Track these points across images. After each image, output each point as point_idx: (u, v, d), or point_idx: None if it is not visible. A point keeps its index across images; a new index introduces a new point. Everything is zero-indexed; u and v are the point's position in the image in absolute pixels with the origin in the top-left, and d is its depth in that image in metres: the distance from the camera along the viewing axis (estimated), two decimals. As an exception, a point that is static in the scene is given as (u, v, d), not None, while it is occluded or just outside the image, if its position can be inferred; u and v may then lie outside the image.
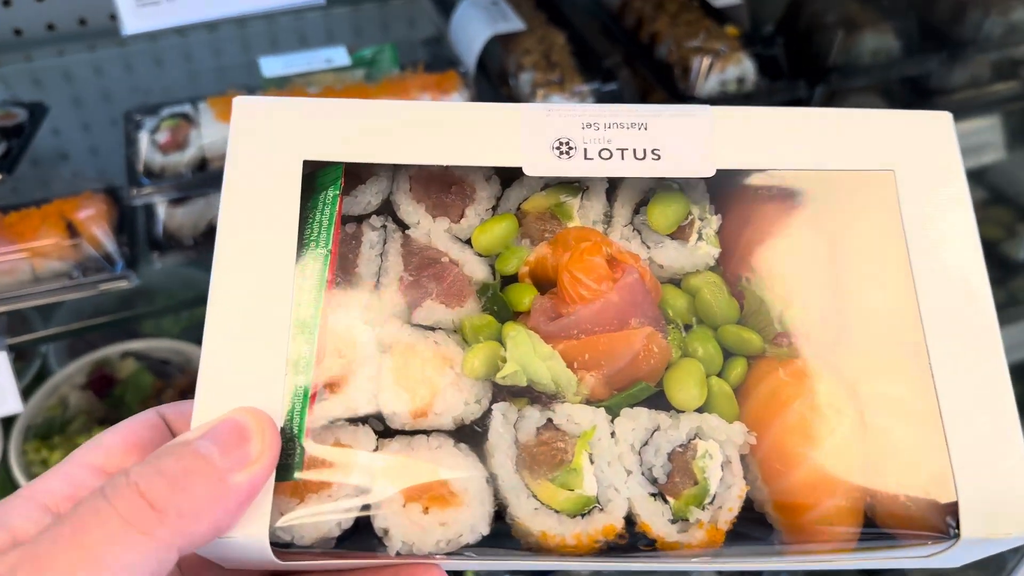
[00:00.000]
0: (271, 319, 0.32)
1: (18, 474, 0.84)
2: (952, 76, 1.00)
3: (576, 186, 0.37)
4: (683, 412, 0.34)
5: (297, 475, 0.31)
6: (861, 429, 0.34)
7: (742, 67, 0.86)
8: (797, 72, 0.90)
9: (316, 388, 0.32)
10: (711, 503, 0.33)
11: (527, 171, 0.35)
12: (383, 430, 0.33)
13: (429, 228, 0.36)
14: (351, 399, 0.33)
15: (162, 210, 0.80)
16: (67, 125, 0.97)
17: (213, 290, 0.32)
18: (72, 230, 0.74)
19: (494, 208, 0.37)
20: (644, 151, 0.36)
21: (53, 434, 0.90)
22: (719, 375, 0.35)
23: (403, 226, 0.36)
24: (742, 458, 0.33)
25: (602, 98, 0.86)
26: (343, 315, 0.34)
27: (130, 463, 0.31)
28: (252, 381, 0.31)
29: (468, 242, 0.36)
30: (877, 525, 0.33)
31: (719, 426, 0.33)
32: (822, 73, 0.92)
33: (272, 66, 0.83)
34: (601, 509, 0.32)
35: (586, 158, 0.35)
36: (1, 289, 0.73)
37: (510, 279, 0.36)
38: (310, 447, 0.31)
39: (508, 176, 0.37)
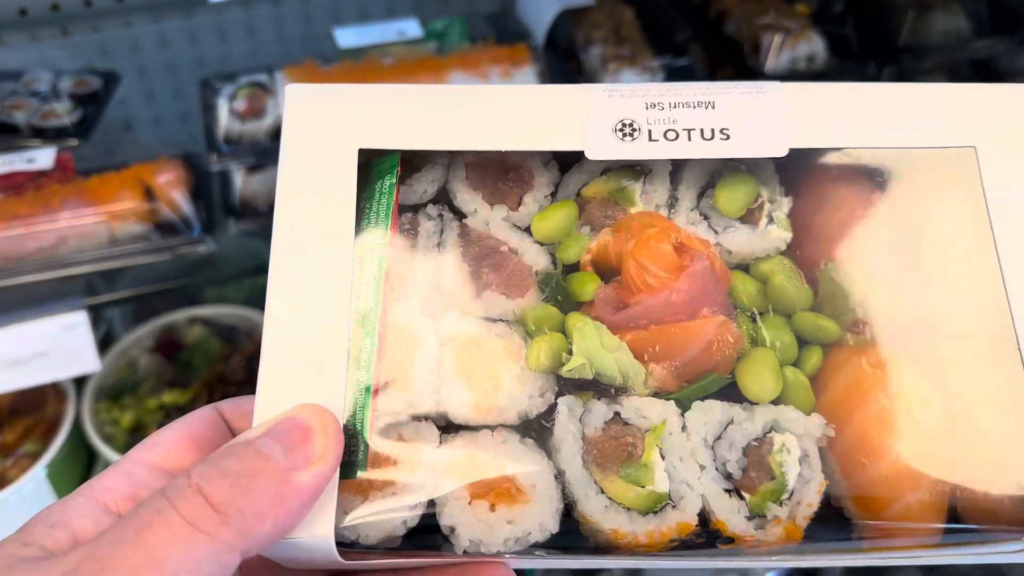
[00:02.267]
0: (331, 312, 0.31)
1: (91, 431, 0.86)
2: (1022, 58, 0.97)
3: (638, 169, 0.36)
4: (757, 404, 0.32)
5: (361, 473, 0.30)
6: (947, 420, 0.32)
7: (812, 45, 0.85)
8: (867, 51, 0.89)
9: (378, 383, 0.31)
10: (789, 499, 0.31)
11: (589, 155, 0.34)
12: (446, 425, 0.32)
13: (487, 216, 0.35)
14: (413, 394, 0.32)
15: (238, 178, 0.80)
16: (134, 95, 0.98)
17: (272, 284, 0.31)
18: (150, 194, 0.75)
19: (553, 195, 0.36)
20: (712, 131, 0.34)
21: (124, 395, 0.91)
22: (794, 365, 0.33)
23: (460, 215, 0.35)
24: (820, 451, 0.32)
25: (672, 73, 0.85)
26: (403, 307, 0.33)
27: (189, 461, 0.30)
28: (313, 376, 0.30)
29: (527, 230, 0.35)
30: (962, 520, 0.31)
31: (796, 418, 0.32)
32: (892, 53, 0.90)
33: (347, 37, 0.84)
34: (674, 506, 0.31)
35: (651, 140, 0.34)
36: (81, 251, 0.74)
37: (572, 268, 0.34)
38: (374, 444, 0.30)
39: (567, 161, 0.36)
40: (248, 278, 0.96)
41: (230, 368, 0.91)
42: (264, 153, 0.78)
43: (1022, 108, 0.35)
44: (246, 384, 0.89)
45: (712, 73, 0.90)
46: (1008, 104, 0.35)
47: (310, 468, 0.28)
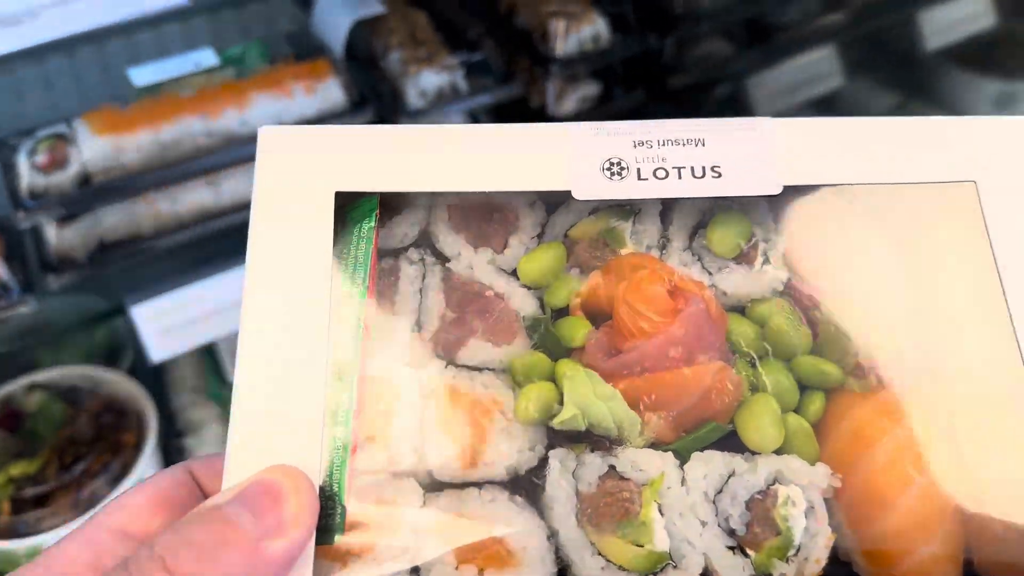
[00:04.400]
0: (306, 365, 0.29)
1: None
2: (787, 12, 1.07)
3: (627, 209, 0.34)
4: (759, 454, 0.30)
5: (338, 538, 0.28)
6: (959, 467, 0.30)
7: (595, 26, 0.90)
8: (646, 25, 0.94)
9: (357, 440, 0.29)
10: (795, 555, 0.29)
11: (576, 195, 0.32)
12: (430, 483, 0.30)
13: (471, 260, 0.33)
14: (394, 450, 0.30)
15: (51, 231, 0.78)
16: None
17: (243, 336, 0.30)
18: (-43, 263, 0.72)
19: (540, 236, 0.34)
20: (703, 168, 0.33)
21: (-30, 476, 0.85)
22: (796, 411, 0.31)
23: (443, 259, 0.34)
24: (827, 503, 0.30)
25: (471, 69, 0.88)
26: (382, 359, 0.31)
27: (156, 524, 0.28)
28: (287, 434, 0.28)
29: (514, 274, 0.33)
30: (979, 573, 0.29)
31: (800, 468, 0.30)
32: (670, 23, 0.95)
33: (142, 75, 0.82)
34: (675, 566, 0.29)
35: (640, 178, 0.33)
36: None
37: (561, 312, 0.33)
38: (352, 506, 0.28)
39: (553, 201, 0.34)
40: (81, 333, 0.92)
41: (78, 430, 0.87)
42: (73, 202, 0.76)
43: (1021, 141, 0.34)
44: (97, 442, 0.86)
45: (508, 64, 0.93)
46: (1009, 137, 0.34)
47: (282, 536, 0.26)
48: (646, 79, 0.98)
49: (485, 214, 0.34)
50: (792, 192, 0.33)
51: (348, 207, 0.32)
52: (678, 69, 0.99)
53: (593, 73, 0.95)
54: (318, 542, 0.27)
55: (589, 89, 0.95)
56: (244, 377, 0.29)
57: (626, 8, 0.93)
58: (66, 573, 0.27)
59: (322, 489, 0.28)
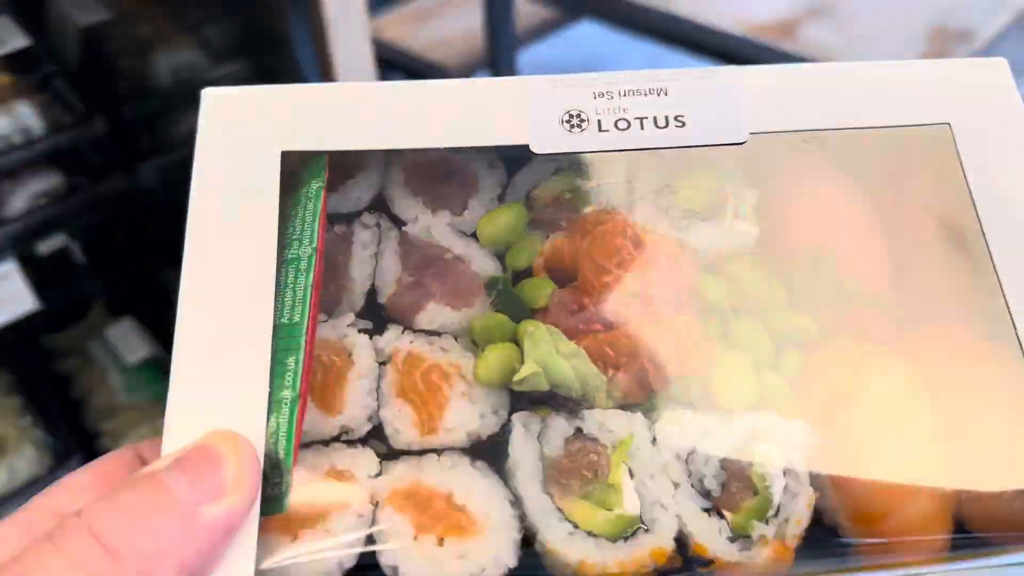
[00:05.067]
0: (250, 329, 0.28)
1: None
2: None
3: (589, 167, 0.33)
4: (734, 412, 0.29)
5: (286, 507, 0.26)
6: (943, 419, 0.29)
7: (16, 117, 0.80)
8: (94, 107, 0.87)
9: (304, 406, 0.28)
10: (775, 516, 0.28)
11: (535, 148, 0.31)
12: (387, 452, 0.28)
13: (429, 223, 0.32)
14: (347, 417, 0.28)
15: None
16: None
17: (183, 300, 0.28)
18: None
19: (500, 197, 0.33)
20: (666, 118, 0.31)
21: None
22: (771, 368, 0.30)
23: (399, 223, 0.32)
24: (807, 461, 0.28)
25: None
26: (335, 323, 0.30)
27: None
28: (230, 401, 0.27)
29: (473, 236, 0.32)
30: (970, 529, 0.28)
31: (777, 425, 0.29)
32: (118, 102, 0.89)
33: None
34: (647, 530, 0.27)
35: (600, 130, 0.31)
36: None
37: (524, 274, 0.31)
38: (300, 474, 0.27)
39: (514, 161, 0.33)
40: None
41: None
42: None
43: (994, 82, 0.32)
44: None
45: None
46: (980, 79, 0.33)
47: (219, 501, 0.24)
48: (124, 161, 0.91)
49: (443, 176, 0.33)
50: (761, 142, 0.32)
51: (297, 169, 0.31)
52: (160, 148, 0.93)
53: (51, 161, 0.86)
54: (264, 512, 0.26)
55: (43, 183, 0.86)
56: (183, 341, 0.27)
57: (67, 92, 0.85)
58: (10, 549, 0.25)
59: (268, 456, 0.26)
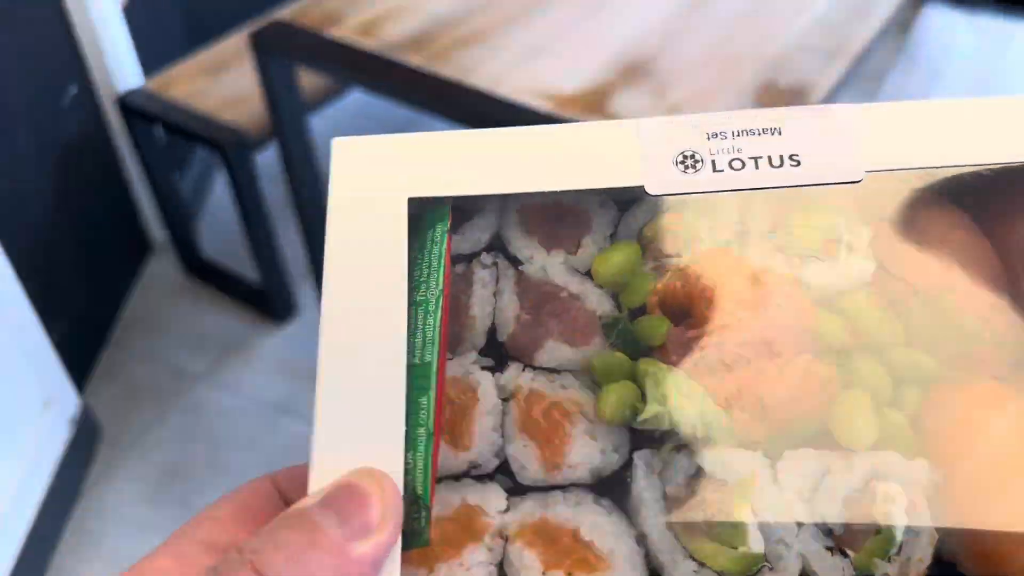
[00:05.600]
0: (386, 370, 0.29)
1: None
2: None
3: (703, 204, 0.33)
4: (854, 451, 0.29)
5: (424, 542, 0.27)
6: (1072, 459, 0.29)
7: None
8: None
9: (438, 443, 0.29)
10: (898, 554, 0.28)
11: (651, 190, 0.32)
12: (513, 487, 0.29)
13: (544, 262, 0.33)
14: (475, 453, 0.29)
15: None
16: None
17: (324, 343, 0.30)
18: None
19: (613, 235, 0.33)
20: (781, 158, 0.32)
21: None
22: (891, 407, 0.30)
23: (515, 262, 0.33)
24: (928, 501, 0.28)
25: None
26: (460, 361, 0.31)
27: (243, 536, 0.28)
28: (370, 438, 0.28)
29: (588, 274, 0.33)
30: None
31: (898, 464, 0.29)
32: None
33: None
34: (771, 568, 0.28)
35: (715, 170, 0.32)
36: None
37: (638, 312, 0.32)
38: (436, 509, 0.28)
39: (625, 200, 0.34)
40: None
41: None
42: None
43: None
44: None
45: None
46: None
47: (368, 538, 0.25)
48: None
49: (556, 216, 0.34)
50: (876, 179, 0.32)
51: (422, 214, 0.32)
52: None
53: None
54: (404, 546, 0.27)
55: None
56: (326, 383, 0.29)
57: None
58: None
59: (406, 491, 0.28)
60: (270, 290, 1.74)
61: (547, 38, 1.28)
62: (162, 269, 1.90)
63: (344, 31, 1.29)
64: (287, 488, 0.31)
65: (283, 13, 1.37)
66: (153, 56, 1.72)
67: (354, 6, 1.35)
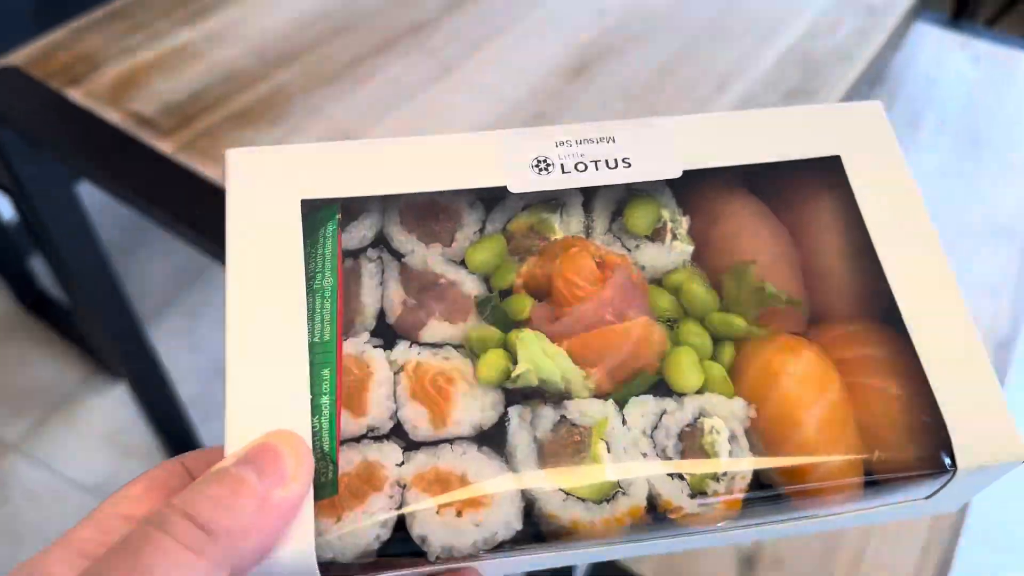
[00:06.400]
0: (290, 351, 0.33)
1: None
2: None
3: (554, 203, 0.40)
4: (685, 395, 0.36)
5: (332, 493, 0.32)
6: (848, 390, 0.36)
7: None
8: None
9: (340, 410, 0.33)
10: (724, 475, 0.34)
11: (512, 189, 0.38)
12: (407, 444, 0.34)
13: (424, 254, 0.38)
14: (373, 418, 0.34)
15: None
16: None
17: (229, 327, 0.33)
18: None
19: (481, 230, 0.39)
20: (615, 160, 0.39)
21: None
22: (712, 359, 0.37)
23: (398, 255, 0.38)
24: (746, 431, 0.35)
25: None
26: (354, 341, 0.35)
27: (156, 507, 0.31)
28: (278, 408, 0.32)
29: (462, 263, 0.38)
30: (876, 474, 0.35)
31: (720, 403, 0.36)
32: None
33: None
34: (624, 493, 0.34)
35: (563, 172, 0.38)
36: None
37: (506, 293, 0.38)
38: (341, 465, 0.32)
39: (491, 200, 0.40)
40: None
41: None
42: None
43: (874, 120, 0.41)
44: None
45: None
46: (863, 118, 0.41)
47: (286, 486, 0.29)
48: None
49: (432, 214, 0.39)
50: (690, 178, 0.39)
51: (313, 214, 0.37)
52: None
53: None
54: (316, 497, 0.31)
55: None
56: (234, 361, 0.33)
57: None
58: (83, 550, 0.30)
59: (314, 450, 0.32)
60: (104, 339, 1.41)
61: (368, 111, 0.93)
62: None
63: (95, 85, 0.93)
64: (195, 467, 0.34)
65: (27, 50, 0.97)
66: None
67: (124, 47, 0.98)
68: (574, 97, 0.95)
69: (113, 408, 1.56)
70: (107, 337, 1.32)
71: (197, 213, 0.83)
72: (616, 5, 1.08)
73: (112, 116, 0.90)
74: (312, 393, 0.33)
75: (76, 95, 0.93)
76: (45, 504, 1.41)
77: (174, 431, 1.50)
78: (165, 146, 0.87)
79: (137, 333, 1.34)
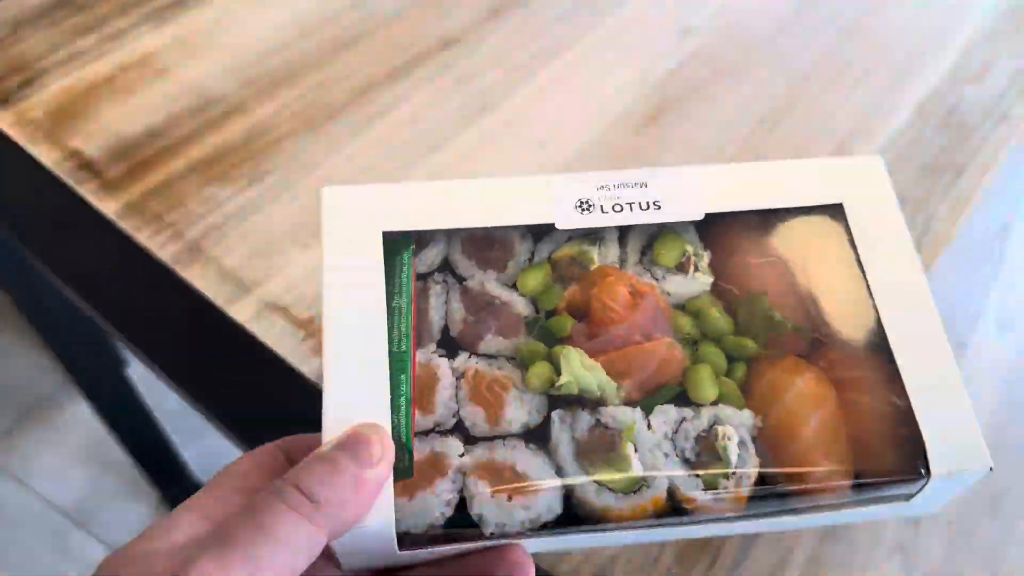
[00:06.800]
0: (375, 357, 0.40)
1: None
2: None
3: (593, 237, 0.46)
4: (702, 406, 0.42)
5: (408, 476, 0.38)
6: (842, 406, 0.43)
7: None
8: None
9: (414, 408, 0.40)
10: (734, 475, 0.41)
11: (558, 225, 0.44)
12: (467, 439, 0.41)
13: (482, 279, 0.45)
14: (439, 416, 0.41)
15: None
16: None
17: (327, 339, 0.40)
18: None
19: (530, 259, 0.46)
20: (647, 203, 0.45)
21: None
22: (726, 375, 0.43)
23: (460, 279, 0.45)
24: (753, 438, 0.42)
25: None
26: (423, 351, 0.42)
27: (263, 484, 0.38)
28: (365, 405, 0.39)
29: (514, 287, 0.45)
30: (863, 478, 0.41)
31: (732, 413, 0.42)
32: None
33: None
34: (648, 486, 0.40)
35: (602, 212, 0.45)
36: None
37: (551, 313, 0.44)
38: (415, 453, 0.39)
39: (539, 234, 0.46)
40: None
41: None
42: None
43: (874, 173, 0.47)
44: None
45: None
46: (865, 170, 0.47)
47: (374, 467, 0.36)
48: None
49: (489, 245, 0.46)
50: (712, 219, 0.46)
51: (392, 243, 0.44)
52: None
53: None
54: (395, 478, 0.38)
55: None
56: (330, 370, 0.40)
57: None
58: (206, 513, 0.36)
59: (394, 439, 0.39)
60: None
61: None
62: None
63: (31, 106, 0.71)
64: (292, 451, 0.41)
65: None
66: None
67: (73, 51, 0.75)
68: (642, 156, 0.75)
69: (93, 417, 1.41)
70: (68, 349, 1.18)
71: (148, 312, 0.61)
72: (704, 23, 0.84)
73: (47, 155, 0.67)
74: (392, 394, 0.40)
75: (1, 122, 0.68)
76: (12, 528, 1.33)
77: (146, 444, 1.34)
78: (108, 206, 0.65)
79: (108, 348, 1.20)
